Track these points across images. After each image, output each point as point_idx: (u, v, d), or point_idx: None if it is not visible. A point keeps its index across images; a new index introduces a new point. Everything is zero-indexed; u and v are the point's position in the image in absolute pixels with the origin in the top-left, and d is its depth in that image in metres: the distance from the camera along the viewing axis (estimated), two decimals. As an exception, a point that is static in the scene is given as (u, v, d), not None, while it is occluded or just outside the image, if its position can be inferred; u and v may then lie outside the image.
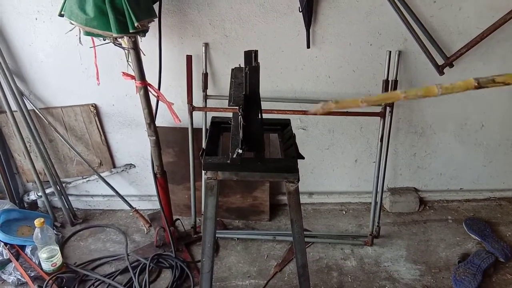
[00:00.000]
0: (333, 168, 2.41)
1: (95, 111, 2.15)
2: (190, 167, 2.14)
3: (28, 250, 2.00)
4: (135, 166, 2.35)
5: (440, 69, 2.00)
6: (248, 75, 1.08)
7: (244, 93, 1.11)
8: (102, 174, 2.26)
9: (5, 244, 1.97)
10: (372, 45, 2.02)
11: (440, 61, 2.00)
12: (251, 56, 1.15)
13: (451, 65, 2.01)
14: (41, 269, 1.93)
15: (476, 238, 2.19)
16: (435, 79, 2.04)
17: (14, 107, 2.05)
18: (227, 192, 2.31)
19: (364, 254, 2.12)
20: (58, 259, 1.94)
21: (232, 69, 1.32)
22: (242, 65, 1.26)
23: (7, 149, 2.23)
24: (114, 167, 2.34)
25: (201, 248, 1.40)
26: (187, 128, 2.09)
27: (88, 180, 2.34)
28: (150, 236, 2.23)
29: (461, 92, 1.20)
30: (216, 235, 2.17)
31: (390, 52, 1.97)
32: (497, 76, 1.20)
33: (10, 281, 1.90)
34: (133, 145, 2.28)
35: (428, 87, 1.18)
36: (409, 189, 2.47)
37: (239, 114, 1.12)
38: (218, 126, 1.48)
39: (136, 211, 2.25)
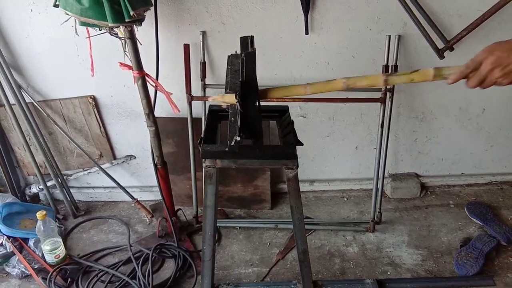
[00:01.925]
0: (334, 156, 2.40)
1: (93, 102, 2.14)
2: (191, 157, 2.14)
3: (31, 242, 2.01)
4: (135, 157, 2.35)
5: (440, 53, 1.98)
6: (244, 61, 1.06)
7: (240, 79, 1.09)
8: (102, 166, 2.26)
9: (8, 237, 1.98)
10: (372, 30, 2.00)
11: (440, 44, 1.98)
12: (247, 42, 1.14)
13: (451, 49, 1.98)
14: (45, 261, 1.94)
15: (478, 222, 2.19)
16: (435, 63, 2.02)
17: (12, 100, 2.04)
18: (228, 181, 2.31)
19: (366, 240, 2.12)
20: (61, 251, 1.95)
21: (229, 56, 1.30)
22: (239, 52, 1.25)
23: (7, 142, 2.23)
24: (115, 158, 2.34)
25: (202, 237, 1.40)
26: (187, 118, 2.08)
27: (89, 172, 2.35)
28: (153, 227, 2.24)
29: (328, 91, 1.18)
30: (218, 224, 2.19)
31: (390, 36, 1.95)
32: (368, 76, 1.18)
33: (14, 273, 1.91)
34: (133, 136, 2.28)
35: (295, 86, 1.16)
36: (410, 175, 2.46)
37: (236, 100, 1.11)
38: (216, 114, 1.47)
39: (138, 202, 2.25)
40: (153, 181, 2.05)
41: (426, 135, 2.35)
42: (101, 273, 1.90)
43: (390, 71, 1.99)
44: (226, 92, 1.10)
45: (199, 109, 2.11)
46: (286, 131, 1.34)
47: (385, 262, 1.99)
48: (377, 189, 2.18)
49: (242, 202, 2.36)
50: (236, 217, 2.32)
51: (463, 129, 2.33)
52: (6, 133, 2.19)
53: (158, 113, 2.01)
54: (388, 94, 2.04)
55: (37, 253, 1.97)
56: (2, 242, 1.96)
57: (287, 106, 1.47)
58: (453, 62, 2.02)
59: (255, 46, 1.16)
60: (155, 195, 2.42)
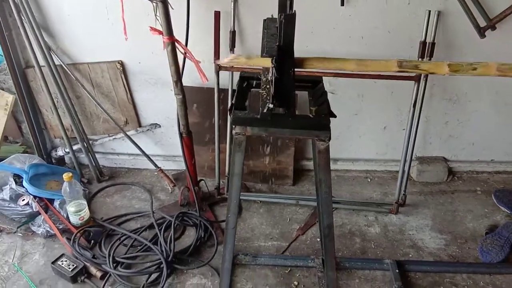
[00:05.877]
0: (360, 135, 2.35)
1: (121, 68, 2.13)
2: (215, 128, 2.13)
3: (56, 203, 2.05)
4: (160, 126, 2.35)
5: (481, 32, 1.88)
6: (283, 24, 1.02)
7: (277, 44, 1.06)
8: (128, 133, 2.27)
9: (34, 197, 2.02)
10: (410, 4, 1.91)
11: (482, 23, 1.88)
12: (285, 4, 1.09)
13: (493, 28, 1.88)
14: (69, 222, 1.97)
15: (506, 210, 2.13)
16: (475, 42, 1.93)
17: (42, 62, 2.05)
18: (251, 155, 2.29)
19: (389, 222, 2.09)
20: (85, 213, 1.98)
21: (264, 20, 1.26)
22: (275, 16, 1.20)
23: (35, 104, 2.25)
24: (140, 126, 2.34)
25: (227, 204, 1.40)
26: (213, 88, 2.05)
27: (114, 138, 2.36)
28: (174, 196, 2.25)
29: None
30: (240, 197, 2.18)
31: (430, 11, 1.86)
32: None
33: (40, 232, 1.95)
34: (159, 105, 2.27)
35: (340, 60, 1.04)
36: (438, 159, 2.40)
37: (272, 65, 1.08)
38: (247, 82, 1.43)
39: (161, 170, 2.26)
40: (177, 151, 2.05)
41: (458, 119, 2.27)
42: (124, 237, 1.93)
43: (427, 48, 1.91)
44: (262, 56, 1.06)
45: (226, 80, 2.08)
46: (320, 101, 1.30)
47: (407, 245, 1.96)
48: (403, 171, 2.12)
49: (264, 176, 2.35)
50: (257, 191, 2.31)
51: (498, 114, 2.24)
52: (34, 94, 2.21)
53: (184, 81, 1.98)
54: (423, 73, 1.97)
55: (62, 214, 2.00)
56: (28, 202, 2.00)
57: (321, 77, 1.43)
58: (495, 42, 1.95)
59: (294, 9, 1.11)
60: (178, 165, 2.42)
